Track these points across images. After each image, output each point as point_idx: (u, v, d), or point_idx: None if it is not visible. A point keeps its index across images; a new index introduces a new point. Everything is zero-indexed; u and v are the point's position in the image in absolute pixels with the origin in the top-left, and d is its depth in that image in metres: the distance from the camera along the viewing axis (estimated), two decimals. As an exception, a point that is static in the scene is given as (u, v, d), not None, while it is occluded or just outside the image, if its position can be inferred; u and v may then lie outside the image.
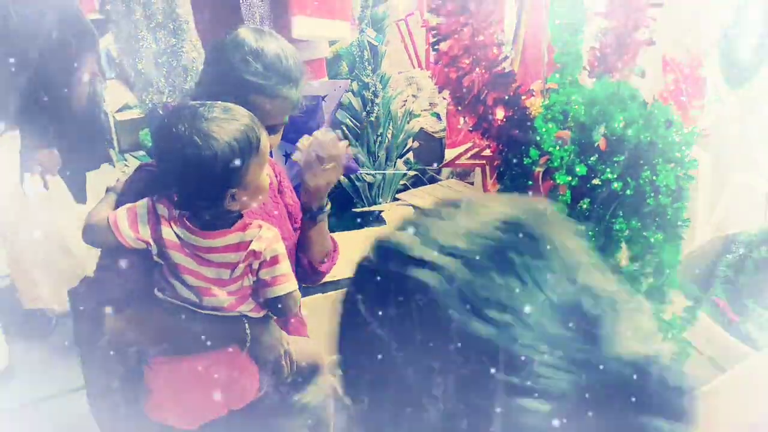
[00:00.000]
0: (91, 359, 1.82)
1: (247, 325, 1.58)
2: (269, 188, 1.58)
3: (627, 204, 2.03)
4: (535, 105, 2.11)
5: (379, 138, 4.19)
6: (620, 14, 2.22)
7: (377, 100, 4.09)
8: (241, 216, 1.53)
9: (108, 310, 1.52)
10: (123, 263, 1.52)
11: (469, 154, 2.25)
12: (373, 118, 4.08)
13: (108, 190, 1.63)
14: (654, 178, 2.01)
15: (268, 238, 1.53)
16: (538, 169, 2.02)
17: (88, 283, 1.67)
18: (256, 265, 1.52)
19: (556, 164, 1.98)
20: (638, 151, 2.02)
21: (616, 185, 2.01)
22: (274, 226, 1.61)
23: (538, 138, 2.02)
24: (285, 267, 1.55)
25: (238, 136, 1.40)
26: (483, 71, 2.01)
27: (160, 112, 3.72)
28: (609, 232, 2.05)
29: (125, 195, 1.58)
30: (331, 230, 1.91)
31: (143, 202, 1.51)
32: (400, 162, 4.33)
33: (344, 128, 4.03)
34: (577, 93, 2.07)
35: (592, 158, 2.05)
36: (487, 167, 2.35)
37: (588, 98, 2.11)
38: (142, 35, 3.96)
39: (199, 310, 1.54)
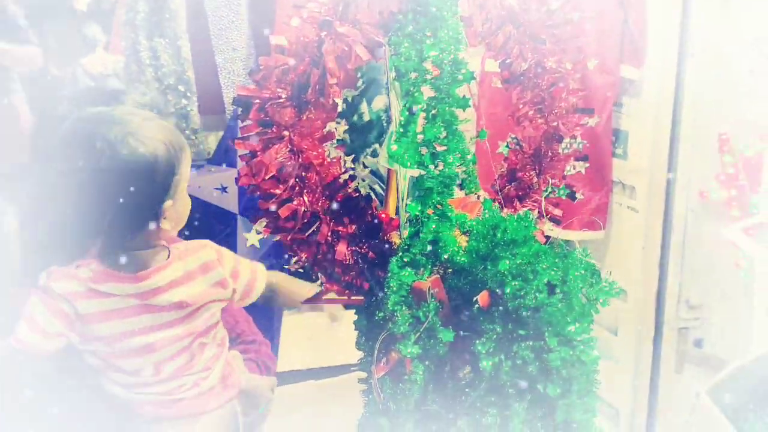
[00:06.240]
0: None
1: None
2: None
3: (500, 391, 1.44)
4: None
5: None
6: (538, 118, 1.65)
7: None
8: (165, 248, 1.34)
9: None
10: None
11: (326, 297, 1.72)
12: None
13: None
14: (545, 357, 1.42)
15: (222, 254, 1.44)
16: (383, 334, 1.49)
17: None
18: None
19: (399, 329, 1.44)
20: (518, 317, 1.43)
21: (484, 363, 1.43)
22: None
23: (387, 290, 1.49)
24: (245, 268, 1.48)
25: (171, 136, 1.25)
26: (317, 195, 1.52)
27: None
28: (477, 426, 1.46)
29: None
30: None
31: (31, 299, 1.26)
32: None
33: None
34: (448, 228, 1.53)
35: (466, 321, 1.49)
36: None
37: (475, 233, 1.56)
38: (152, 97, 3.89)
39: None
